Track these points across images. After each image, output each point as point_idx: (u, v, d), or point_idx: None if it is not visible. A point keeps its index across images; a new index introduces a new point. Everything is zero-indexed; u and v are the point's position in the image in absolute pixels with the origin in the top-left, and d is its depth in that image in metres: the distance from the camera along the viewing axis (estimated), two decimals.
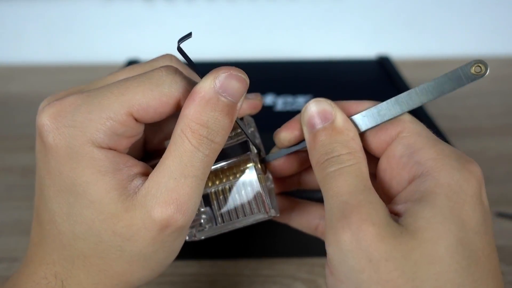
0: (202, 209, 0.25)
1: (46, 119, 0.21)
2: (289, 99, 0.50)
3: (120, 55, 0.71)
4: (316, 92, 0.51)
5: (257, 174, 0.25)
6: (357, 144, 0.22)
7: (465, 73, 0.22)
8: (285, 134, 0.25)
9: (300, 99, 0.50)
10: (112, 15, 0.79)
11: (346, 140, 0.22)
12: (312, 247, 0.42)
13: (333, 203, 0.21)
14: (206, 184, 0.25)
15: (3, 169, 0.54)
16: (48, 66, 0.80)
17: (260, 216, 0.25)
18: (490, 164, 0.53)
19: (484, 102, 0.67)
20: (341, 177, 0.21)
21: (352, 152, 0.22)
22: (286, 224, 0.30)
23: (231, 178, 0.25)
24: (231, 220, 0.25)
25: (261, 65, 0.61)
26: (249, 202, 0.25)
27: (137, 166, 0.22)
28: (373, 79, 0.57)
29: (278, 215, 0.26)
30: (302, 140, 0.25)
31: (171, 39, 0.94)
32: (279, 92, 0.52)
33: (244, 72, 0.22)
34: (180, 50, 0.21)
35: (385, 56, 0.62)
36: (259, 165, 0.25)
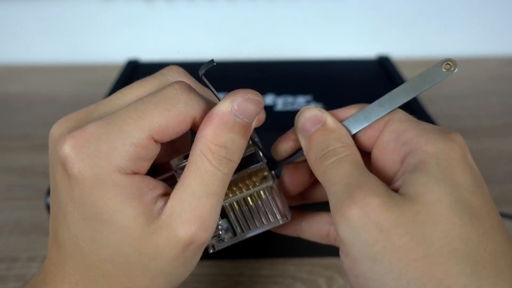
0: (220, 222, 0.26)
1: (69, 150, 0.21)
2: (289, 99, 0.50)
3: (120, 55, 0.71)
4: (316, 92, 0.51)
5: (272, 182, 0.26)
6: (349, 139, 0.24)
7: (437, 71, 0.24)
8: (282, 146, 0.26)
9: (300, 99, 0.50)
10: (112, 15, 0.79)
11: (339, 136, 0.24)
12: (313, 247, 0.42)
13: (336, 189, 0.22)
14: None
15: (3, 169, 0.54)
16: (48, 66, 0.80)
17: (278, 222, 0.26)
18: (490, 164, 0.53)
19: (484, 102, 0.67)
20: (339, 166, 0.22)
21: (346, 145, 0.24)
22: (297, 236, 0.30)
23: (244, 189, 0.26)
24: (250, 229, 0.26)
25: (261, 65, 0.61)
26: (266, 210, 0.26)
27: (159, 187, 0.23)
28: (373, 79, 0.57)
29: (290, 218, 0.28)
30: (298, 149, 0.26)
31: (171, 39, 0.95)
32: (279, 92, 0.52)
33: (259, 94, 0.23)
34: (201, 79, 0.23)
35: (385, 56, 0.62)
36: (271, 174, 0.26)
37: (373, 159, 0.25)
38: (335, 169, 0.22)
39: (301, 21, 0.80)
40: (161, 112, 0.22)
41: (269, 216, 0.26)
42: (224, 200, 0.26)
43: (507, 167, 0.53)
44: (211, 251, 0.27)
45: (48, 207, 0.37)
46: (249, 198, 0.26)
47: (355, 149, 0.24)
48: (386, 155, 0.24)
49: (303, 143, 0.25)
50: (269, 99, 0.50)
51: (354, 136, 0.25)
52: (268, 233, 0.40)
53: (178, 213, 0.22)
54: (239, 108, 0.22)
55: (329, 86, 0.54)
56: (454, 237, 0.19)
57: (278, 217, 0.26)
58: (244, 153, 0.25)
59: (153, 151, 0.23)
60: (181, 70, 0.26)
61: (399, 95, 0.25)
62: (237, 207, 0.26)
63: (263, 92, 0.51)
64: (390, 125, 0.24)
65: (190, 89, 0.23)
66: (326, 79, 0.55)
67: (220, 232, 0.27)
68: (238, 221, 0.26)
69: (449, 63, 0.24)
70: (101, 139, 0.21)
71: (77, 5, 0.78)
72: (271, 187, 0.26)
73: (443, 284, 0.18)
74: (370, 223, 0.20)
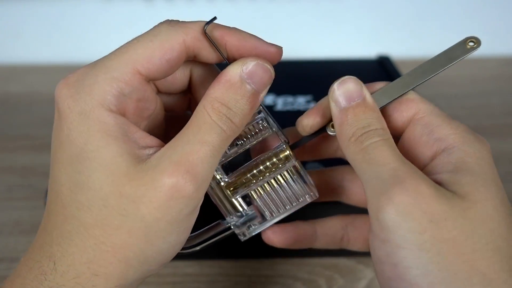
0: (247, 209, 0.26)
1: (60, 88, 0.22)
2: (289, 99, 0.50)
3: None
4: (316, 92, 0.51)
5: (295, 161, 0.26)
6: (384, 122, 0.24)
7: (461, 47, 0.24)
8: (308, 120, 0.26)
9: (300, 99, 0.50)
10: (112, 15, 0.78)
11: (378, 117, 0.23)
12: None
13: (381, 171, 0.21)
14: (244, 184, 0.25)
15: (3, 169, 0.54)
16: (48, 66, 0.80)
17: (306, 201, 0.26)
18: None
19: (484, 102, 0.67)
20: (383, 147, 0.22)
21: (385, 128, 0.23)
22: (311, 248, 0.30)
23: (267, 173, 0.25)
24: (279, 212, 0.26)
25: None
26: (293, 191, 0.26)
27: (148, 137, 0.23)
28: (373, 79, 0.56)
29: (318, 195, 0.27)
30: (322, 127, 0.26)
31: None
32: (279, 92, 0.52)
33: (270, 64, 0.23)
34: (205, 34, 0.23)
35: (385, 56, 0.62)
36: (293, 152, 0.26)
37: (401, 150, 0.24)
38: (378, 150, 0.22)
39: (301, 21, 0.80)
40: (144, 44, 0.22)
41: (297, 196, 0.26)
42: (248, 186, 0.25)
43: (507, 167, 0.53)
44: (242, 238, 0.26)
45: None
46: (273, 181, 0.26)
47: (389, 133, 0.23)
48: (417, 149, 0.24)
49: (336, 113, 0.24)
50: (269, 99, 0.50)
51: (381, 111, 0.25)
52: None
53: (168, 156, 0.21)
54: (248, 72, 0.22)
55: (329, 86, 0.53)
56: (498, 236, 0.20)
57: (306, 195, 0.26)
58: (262, 136, 0.25)
59: (140, 90, 0.23)
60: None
61: (424, 72, 0.24)
62: (262, 192, 0.26)
63: (267, 91, 0.51)
64: (421, 118, 0.24)
65: (171, 21, 0.23)
66: (326, 79, 0.55)
67: (244, 214, 0.26)
68: (265, 205, 0.26)
69: (473, 40, 0.24)
70: (87, 75, 0.22)
71: (77, 5, 0.78)
72: (295, 166, 0.26)
73: (487, 278, 0.19)
74: (420, 212, 0.20)
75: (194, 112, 0.22)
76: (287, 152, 0.26)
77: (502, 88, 0.71)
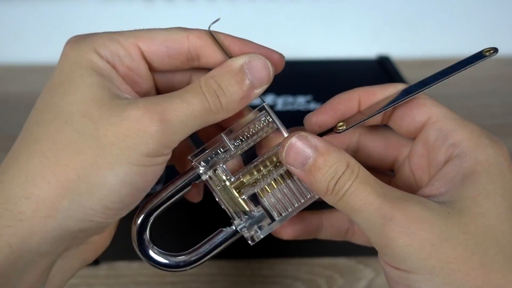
0: (255, 209, 0.25)
1: (65, 45, 0.24)
2: (289, 99, 0.50)
3: None
4: (316, 92, 0.51)
5: None
6: (346, 154, 0.23)
7: (478, 55, 0.24)
8: (317, 119, 0.26)
9: (300, 99, 0.50)
10: (112, 15, 0.78)
11: (338, 156, 0.22)
12: (312, 247, 0.42)
13: (368, 216, 0.21)
14: (250, 183, 0.25)
15: None
16: (48, 66, 0.80)
17: (315, 197, 0.25)
18: None
19: (484, 102, 0.67)
20: (359, 190, 0.21)
21: (350, 163, 0.22)
22: (315, 238, 0.30)
23: (274, 170, 0.25)
24: (288, 210, 0.25)
25: None
26: (300, 187, 0.25)
27: (132, 93, 0.24)
28: (373, 79, 0.57)
29: None
30: (330, 127, 0.26)
31: None
32: (279, 92, 0.52)
33: (272, 65, 0.24)
34: (210, 32, 0.24)
35: (385, 56, 0.62)
36: None
37: (415, 155, 0.25)
38: (355, 196, 0.21)
39: (301, 21, 0.80)
40: (149, 29, 0.24)
41: (304, 192, 0.25)
42: (255, 185, 0.25)
43: None
44: (251, 243, 0.26)
45: None
46: (280, 178, 0.25)
47: (354, 160, 0.23)
48: (431, 153, 0.24)
49: (303, 177, 0.23)
50: (269, 99, 0.50)
51: (391, 115, 0.25)
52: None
53: (146, 100, 0.22)
54: (249, 64, 0.23)
55: (329, 86, 0.53)
56: (506, 243, 0.20)
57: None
58: (266, 133, 0.25)
59: (134, 61, 0.24)
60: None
61: (436, 77, 0.24)
62: (269, 190, 0.25)
63: (263, 92, 0.51)
64: (435, 122, 0.24)
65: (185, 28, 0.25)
66: (326, 79, 0.55)
67: (254, 221, 0.25)
68: (274, 204, 0.25)
69: (491, 50, 0.24)
70: (90, 35, 0.24)
71: (77, 5, 0.78)
72: None
73: None
74: (419, 240, 0.20)
75: (189, 85, 0.24)
76: None
77: (502, 88, 0.71)
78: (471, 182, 0.21)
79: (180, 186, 0.25)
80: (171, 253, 0.26)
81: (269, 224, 0.25)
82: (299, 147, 0.23)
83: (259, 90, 0.24)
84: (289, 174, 0.25)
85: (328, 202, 0.23)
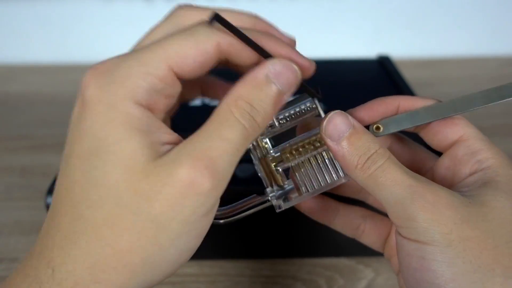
0: (286, 182, 0.28)
1: (89, 77, 0.22)
2: (290, 98, 0.50)
3: None
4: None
5: None
6: (379, 141, 0.25)
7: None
8: (356, 115, 0.27)
9: None
10: (112, 15, 0.79)
11: (373, 138, 0.25)
12: (312, 247, 0.42)
13: (398, 190, 0.23)
14: (287, 159, 0.27)
15: (3, 169, 0.54)
16: (48, 66, 0.80)
17: (341, 180, 0.27)
18: None
19: None
20: (391, 168, 0.23)
21: (383, 147, 0.24)
22: (327, 225, 0.31)
23: (310, 150, 0.27)
24: (315, 188, 0.27)
25: None
26: (331, 169, 0.27)
27: (171, 134, 0.22)
28: (373, 79, 0.57)
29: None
30: (366, 125, 0.27)
31: None
32: None
33: (298, 67, 0.23)
34: (218, 17, 0.22)
35: (386, 56, 0.62)
36: None
37: (442, 166, 0.27)
38: (387, 173, 0.23)
39: (301, 21, 0.80)
40: (180, 41, 0.22)
41: (333, 175, 0.27)
42: (292, 160, 0.27)
43: None
44: (278, 210, 0.28)
45: (47, 207, 0.37)
46: (313, 158, 0.27)
47: (387, 150, 0.25)
48: (458, 166, 0.26)
49: (336, 149, 0.25)
50: None
51: (426, 128, 0.27)
52: (268, 233, 0.40)
53: (187, 151, 0.21)
54: (275, 71, 0.22)
55: (329, 86, 0.53)
56: None
57: (342, 175, 0.27)
58: (310, 116, 0.27)
59: (172, 87, 0.22)
60: (192, 6, 0.26)
61: (470, 101, 0.27)
62: (303, 167, 0.27)
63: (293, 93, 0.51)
64: (466, 140, 0.26)
65: (210, 24, 0.23)
66: (326, 79, 0.55)
67: (285, 187, 0.28)
68: (304, 180, 0.27)
69: None
70: (118, 66, 0.21)
71: (77, 5, 0.78)
72: None
73: (508, 270, 0.21)
74: (444, 217, 0.22)
75: (216, 109, 0.22)
76: None
77: None
78: (491, 184, 0.24)
79: None
80: None
81: (296, 197, 0.28)
82: (338, 121, 0.25)
83: (289, 94, 0.24)
84: (322, 156, 0.27)
85: (354, 178, 0.24)
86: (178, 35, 0.22)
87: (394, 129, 0.27)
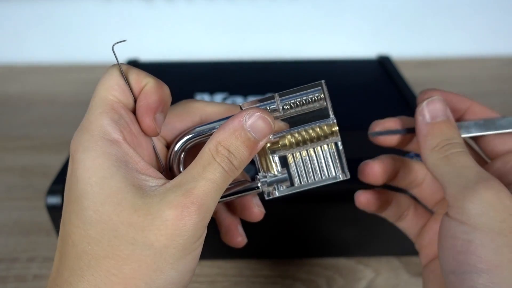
0: (280, 170, 0.27)
1: (72, 141, 0.24)
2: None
3: (120, 55, 0.71)
4: None
5: (339, 139, 0.27)
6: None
7: None
8: (388, 125, 0.30)
9: None
10: (112, 15, 0.79)
11: (460, 134, 0.27)
12: (312, 247, 0.42)
13: (466, 171, 0.25)
14: (285, 147, 0.27)
15: (3, 169, 0.54)
16: (48, 66, 0.80)
17: (337, 178, 0.27)
18: None
19: (484, 102, 0.67)
20: (466, 157, 0.26)
21: (464, 145, 0.27)
22: (377, 214, 0.32)
23: (310, 142, 0.27)
24: (308, 181, 0.27)
25: (261, 65, 0.61)
26: (327, 165, 0.27)
27: (149, 169, 0.25)
28: (373, 79, 0.57)
29: (349, 176, 0.29)
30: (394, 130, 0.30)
31: (171, 39, 0.94)
32: (279, 91, 0.52)
33: (272, 117, 0.26)
34: (113, 51, 0.26)
35: (386, 56, 0.62)
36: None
37: (490, 170, 0.29)
38: (461, 158, 0.25)
39: (301, 21, 0.80)
40: (104, 80, 0.26)
41: (330, 171, 0.27)
42: (289, 149, 0.27)
43: None
44: (267, 198, 0.28)
45: (47, 207, 0.37)
46: (312, 151, 0.27)
47: None
48: (506, 172, 0.28)
49: (423, 127, 0.27)
50: None
51: (482, 137, 0.30)
52: (268, 233, 0.40)
53: (174, 190, 0.23)
54: (251, 122, 0.25)
55: (329, 86, 0.53)
56: None
57: (338, 172, 0.27)
58: (312, 108, 0.28)
59: (126, 114, 0.25)
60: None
61: None
62: (300, 158, 0.27)
63: (263, 92, 0.51)
64: None
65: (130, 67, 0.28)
66: (326, 79, 0.55)
67: (278, 175, 0.28)
68: (298, 171, 0.27)
69: None
70: (83, 123, 0.24)
71: (77, 5, 0.78)
72: (336, 143, 0.27)
73: None
74: (502, 205, 0.23)
75: (200, 153, 0.25)
76: (336, 128, 0.27)
77: (502, 88, 0.71)
78: None
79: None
80: None
81: (287, 187, 0.27)
82: (438, 106, 0.28)
83: (263, 142, 0.26)
84: (322, 149, 0.27)
85: (427, 157, 0.26)
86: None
87: (474, 133, 0.30)
